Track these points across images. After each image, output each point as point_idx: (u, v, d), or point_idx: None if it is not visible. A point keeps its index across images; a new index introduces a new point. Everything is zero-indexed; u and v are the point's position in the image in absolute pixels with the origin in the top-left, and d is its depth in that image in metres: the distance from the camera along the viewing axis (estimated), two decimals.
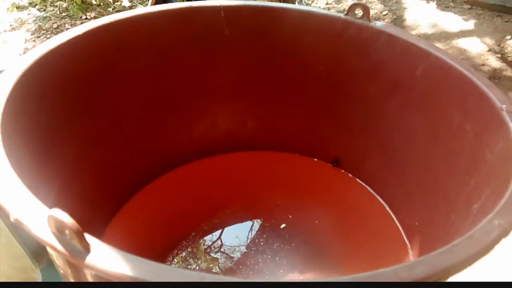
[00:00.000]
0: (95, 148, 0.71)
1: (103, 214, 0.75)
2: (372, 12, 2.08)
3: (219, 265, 0.75)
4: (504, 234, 0.41)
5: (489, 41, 1.97)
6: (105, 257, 0.35)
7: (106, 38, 0.68)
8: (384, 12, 2.21)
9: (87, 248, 0.35)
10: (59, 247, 0.35)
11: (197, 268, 0.74)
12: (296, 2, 1.84)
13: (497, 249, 0.40)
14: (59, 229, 0.35)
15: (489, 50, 1.92)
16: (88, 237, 0.35)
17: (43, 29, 2.01)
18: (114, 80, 0.72)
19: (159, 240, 0.75)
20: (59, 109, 0.63)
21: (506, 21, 2.09)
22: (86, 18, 2.07)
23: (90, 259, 0.34)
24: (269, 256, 0.75)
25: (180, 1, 1.43)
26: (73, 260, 0.35)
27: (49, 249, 0.47)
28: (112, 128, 0.74)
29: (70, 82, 0.65)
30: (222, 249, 0.78)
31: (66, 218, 0.34)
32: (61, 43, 0.62)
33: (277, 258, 0.74)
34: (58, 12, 2.12)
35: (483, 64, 1.84)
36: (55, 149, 0.62)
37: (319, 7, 2.27)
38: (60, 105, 0.63)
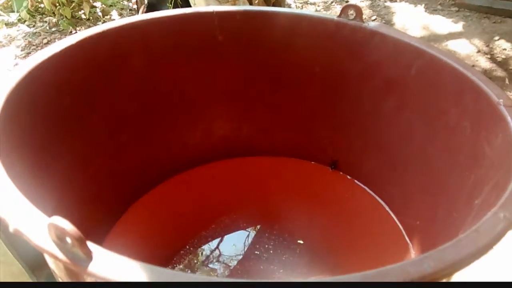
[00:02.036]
0: (92, 157, 0.70)
1: (101, 224, 0.74)
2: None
3: (218, 273, 0.74)
4: (510, 226, 0.41)
5: (478, 42, 1.99)
6: (108, 264, 0.34)
7: (99, 47, 0.68)
8: (373, 17, 2.23)
9: (89, 255, 0.34)
10: (60, 255, 0.34)
11: None
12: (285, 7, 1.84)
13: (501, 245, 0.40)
14: (60, 237, 0.34)
15: (478, 51, 1.93)
16: (90, 244, 0.35)
17: (33, 45, 2.00)
18: (108, 89, 0.71)
19: (158, 250, 0.74)
20: (53, 119, 0.62)
21: (494, 22, 2.11)
22: (76, 33, 2.06)
23: (92, 267, 0.34)
24: (270, 262, 0.74)
25: (170, 8, 1.43)
26: (75, 268, 0.34)
27: (49, 260, 0.46)
28: (108, 137, 0.73)
29: (64, 92, 0.64)
30: (221, 257, 0.77)
31: (67, 225, 0.33)
32: (54, 53, 0.62)
33: (278, 264, 0.74)
34: (47, 28, 2.11)
35: (473, 65, 1.86)
36: (51, 161, 0.61)
37: None
38: (55, 115, 0.63)
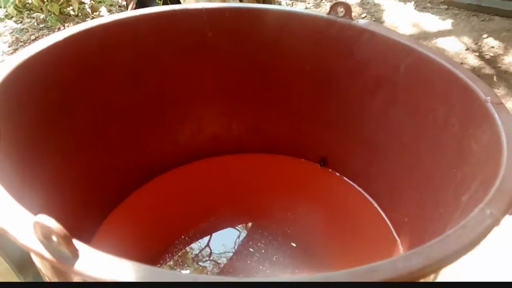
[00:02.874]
0: (80, 154, 0.70)
1: (90, 222, 0.74)
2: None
3: (209, 271, 0.74)
4: (496, 222, 0.41)
5: (466, 40, 2.00)
6: (94, 262, 0.34)
7: (87, 43, 0.67)
8: (363, 15, 2.24)
9: (75, 254, 0.34)
10: (46, 254, 0.34)
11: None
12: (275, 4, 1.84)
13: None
14: (46, 235, 0.34)
15: (467, 49, 1.95)
16: (76, 242, 0.34)
17: (21, 41, 1.98)
18: (97, 85, 0.71)
19: (147, 248, 0.74)
20: (40, 117, 0.62)
21: (482, 20, 2.13)
22: (64, 29, 2.04)
23: (78, 265, 0.33)
24: (259, 260, 0.74)
25: (160, 5, 1.42)
26: (61, 266, 0.34)
27: (35, 259, 0.45)
28: (96, 135, 0.73)
29: (51, 90, 0.63)
30: (211, 255, 0.77)
31: (52, 223, 0.33)
32: (41, 49, 0.61)
33: (268, 262, 0.74)
34: (35, 24, 2.09)
35: (462, 63, 1.87)
36: (38, 159, 0.60)
37: None
38: (41, 113, 0.62)
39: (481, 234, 0.40)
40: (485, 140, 0.55)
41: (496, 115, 0.54)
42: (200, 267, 0.74)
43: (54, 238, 0.34)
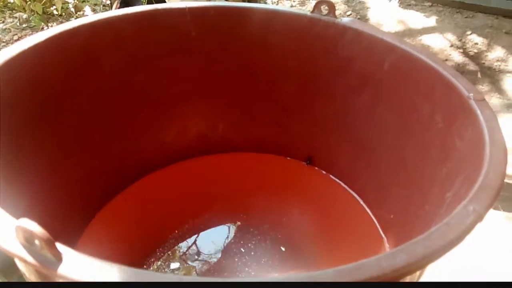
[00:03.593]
0: (65, 156, 0.69)
1: (76, 223, 0.73)
2: (336, 12, 2.10)
3: (197, 270, 0.74)
4: (479, 219, 0.41)
5: (451, 37, 2.02)
6: (78, 266, 0.33)
7: (69, 44, 0.66)
8: (348, 12, 2.24)
9: (58, 258, 0.34)
10: (29, 258, 0.34)
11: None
12: (261, 3, 1.84)
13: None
14: (28, 240, 0.34)
15: (452, 46, 1.97)
16: (59, 246, 0.34)
17: (3, 41, 1.95)
18: (80, 86, 0.70)
19: (135, 248, 0.74)
20: (22, 119, 0.61)
21: (466, 17, 2.15)
22: (48, 29, 2.01)
23: (62, 269, 0.33)
24: (246, 259, 0.74)
25: (144, 4, 1.41)
26: (45, 270, 0.33)
27: (18, 263, 0.45)
28: (81, 136, 0.72)
29: (33, 91, 0.62)
30: (199, 255, 0.76)
31: (35, 227, 0.33)
32: (23, 50, 0.60)
33: (255, 261, 0.74)
34: (18, 24, 2.06)
35: (446, 60, 1.89)
36: (21, 161, 0.59)
37: None
38: (23, 115, 0.61)
39: (464, 231, 0.40)
40: (468, 137, 0.55)
41: (478, 112, 0.54)
42: (189, 266, 0.74)
43: (37, 242, 0.33)
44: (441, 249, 0.38)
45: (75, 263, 0.33)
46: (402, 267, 0.36)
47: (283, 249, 0.76)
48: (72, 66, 0.68)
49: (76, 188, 0.72)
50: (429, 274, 0.50)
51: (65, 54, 0.66)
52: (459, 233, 0.39)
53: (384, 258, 0.36)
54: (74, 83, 0.69)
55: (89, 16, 0.69)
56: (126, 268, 0.33)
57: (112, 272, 0.33)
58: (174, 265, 0.74)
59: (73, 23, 0.67)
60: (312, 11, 0.74)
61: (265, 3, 2.29)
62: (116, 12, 0.71)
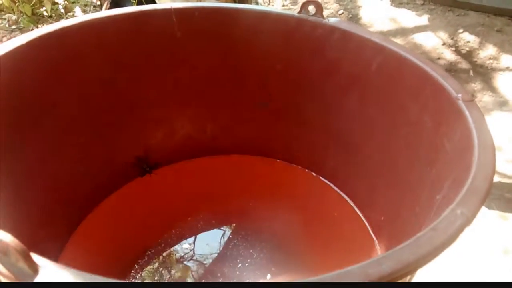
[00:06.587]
0: (47, 162, 0.67)
1: (63, 228, 0.71)
2: (328, 11, 2.09)
3: (192, 273, 0.73)
4: (467, 223, 0.41)
5: (443, 35, 2.02)
6: (54, 278, 0.32)
7: (54, 46, 0.65)
8: (340, 11, 2.23)
9: (35, 269, 0.33)
10: (3, 270, 0.32)
11: (168, 278, 0.71)
12: (252, 3, 1.83)
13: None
14: (3, 251, 0.32)
15: (444, 44, 1.96)
16: (36, 257, 0.33)
17: None
18: (63, 90, 0.68)
19: (124, 253, 0.73)
20: (4, 124, 0.59)
21: (458, 15, 2.14)
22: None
23: (38, 281, 0.32)
24: (238, 261, 0.73)
25: (134, 4, 1.40)
26: (20, 283, 0.32)
27: None
28: (65, 141, 0.70)
29: (15, 95, 0.61)
30: (193, 258, 0.75)
31: (8, 238, 0.32)
32: (5, 52, 0.58)
33: (245, 263, 0.73)
34: (7, 25, 2.04)
35: (439, 58, 1.89)
36: (2, 168, 0.58)
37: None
38: (5, 120, 0.59)
39: (452, 236, 0.39)
40: (456, 138, 0.54)
41: (467, 112, 0.54)
42: (184, 268, 0.73)
43: (12, 253, 0.32)
44: (428, 255, 0.37)
45: (52, 275, 0.32)
46: (388, 274, 0.35)
47: (275, 251, 0.75)
48: (54, 70, 0.66)
49: (61, 193, 0.70)
50: (422, 273, 0.49)
51: (46, 58, 0.65)
52: (446, 238, 0.39)
53: (370, 266, 0.35)
54: (57, 87, 0.68)
55: (72, 19, 0.68)
56: (103, 278, 0.32)
57: (89, 283, 0.32)
58: (168, 267, 0.73)
59: (53, 26, 0.65)
60: (299, 12, 0.73)
61: (257, 3, 2.28)
62: (100, 14, 0.70)
